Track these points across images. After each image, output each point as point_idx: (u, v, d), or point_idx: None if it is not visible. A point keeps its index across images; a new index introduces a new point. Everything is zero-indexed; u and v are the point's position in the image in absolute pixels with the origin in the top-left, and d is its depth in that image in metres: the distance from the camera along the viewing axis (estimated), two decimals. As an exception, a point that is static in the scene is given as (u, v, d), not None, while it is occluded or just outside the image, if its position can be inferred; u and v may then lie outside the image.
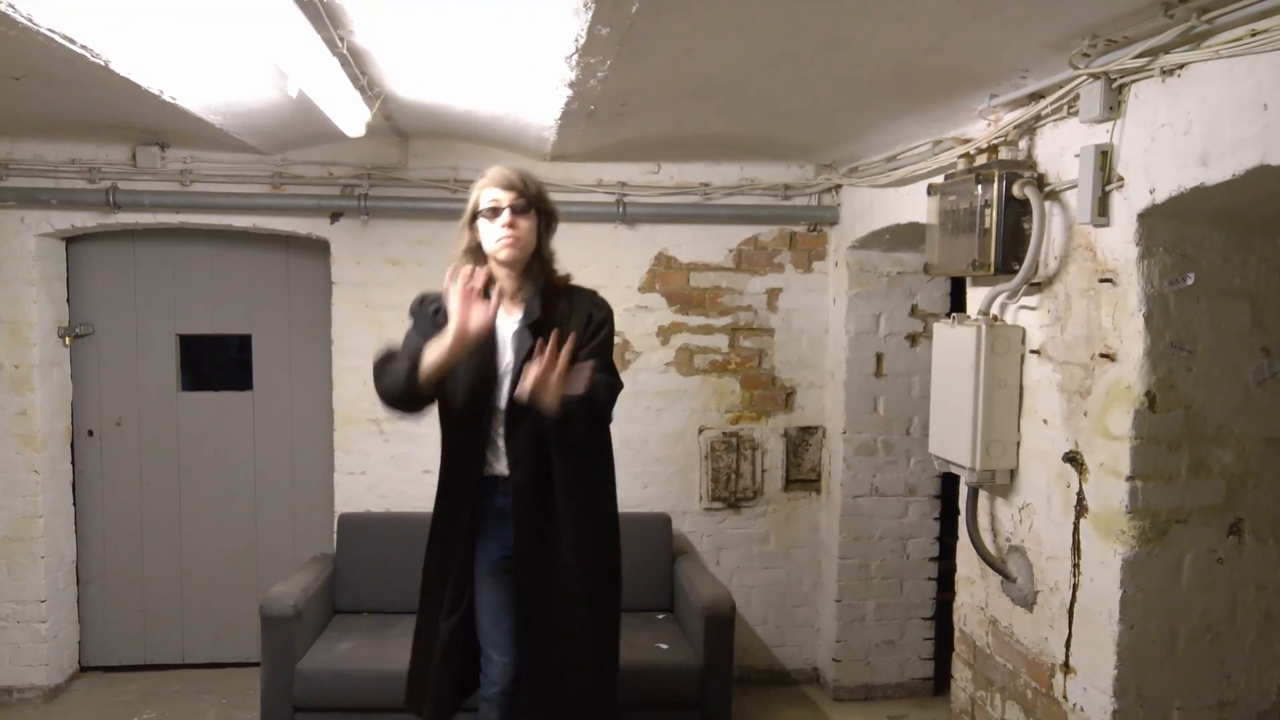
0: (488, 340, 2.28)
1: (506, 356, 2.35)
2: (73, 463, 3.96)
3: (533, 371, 2.07)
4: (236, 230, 3.87)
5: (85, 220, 3.73)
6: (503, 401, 2.33)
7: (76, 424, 3.97)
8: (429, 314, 2.38)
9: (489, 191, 2.32)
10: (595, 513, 2.43)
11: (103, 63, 2.28)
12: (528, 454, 2.33)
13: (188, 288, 3.99)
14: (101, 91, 2.73)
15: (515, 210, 2.29)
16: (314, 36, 2.14)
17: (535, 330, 2.30)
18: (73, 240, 3.90)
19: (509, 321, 2.37)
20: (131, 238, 3.93)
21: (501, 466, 2.37)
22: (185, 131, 3.42)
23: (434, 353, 2.21)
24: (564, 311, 2.37)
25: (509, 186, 2.30)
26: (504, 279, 2.37)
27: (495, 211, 2.30)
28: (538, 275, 2.38)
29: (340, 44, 2.31)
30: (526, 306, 2.36)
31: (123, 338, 3.97)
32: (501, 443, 2.35)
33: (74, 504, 3.97)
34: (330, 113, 2.78)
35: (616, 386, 2.40)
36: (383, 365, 2.34)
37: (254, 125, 3.21)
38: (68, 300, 3.92)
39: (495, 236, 2.30)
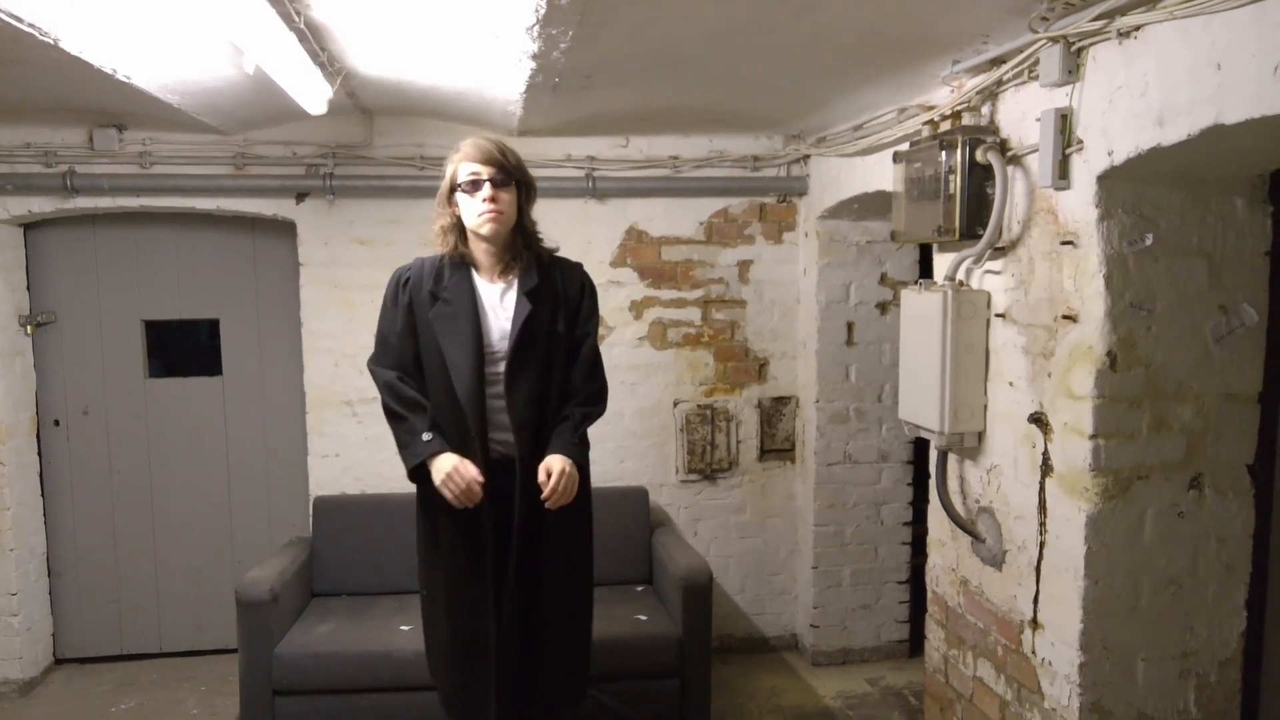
0: (474, 317, 2.32)
1: (502, 325, 2.35)
2: (40, 453, 3.90)
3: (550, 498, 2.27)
4: (200, 213, 3.81)
5: (43, 205, 3.66)
6: (501, 367, 2.33)
7: (42, 414, 3.91)
8: (404, 301, 2.39)
9: (467, 165, 2.30)
10: (583, 484, 2.45)
11: (51, 41, 2.23)
12: (529, 423, 2.34)
13: (152, 273, 3.92)
14: (53, 72, 2.67)
15: (495, 184, 2.29)
16: (269, 11, 2.11)
17: (533, 298, 2.33)
18: (31, 226, 3.82)
19: (492, 289, 2.38)
20: (92, 222, 3.85)
21: (501, 441, 2.36)
22: (142, 112, 3.35)
23: (419, 457, 2.31)
24: (557, 283, 2.41)
25: (488, 160, 2.28)
26: (483, 253, 2.37)
27: (475, 185, 2.29)
28: (520, 247, 2.39)
29: (297, 18, 2.28)
30: (522, 276, 2.37)
31: (87, 325, 3.91)
32: (503, 416, 2.35)
33: (42, 495, 3.92)
34: (290, 90, 2.74)
35: (602, 397, 2.49)
36: (389, 409, 2.41)
37: (213, 104, 3.15)
38: (28, 288, 3.84)
39: (477, 211, 2.29)
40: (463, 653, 2.40)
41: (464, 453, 2.31)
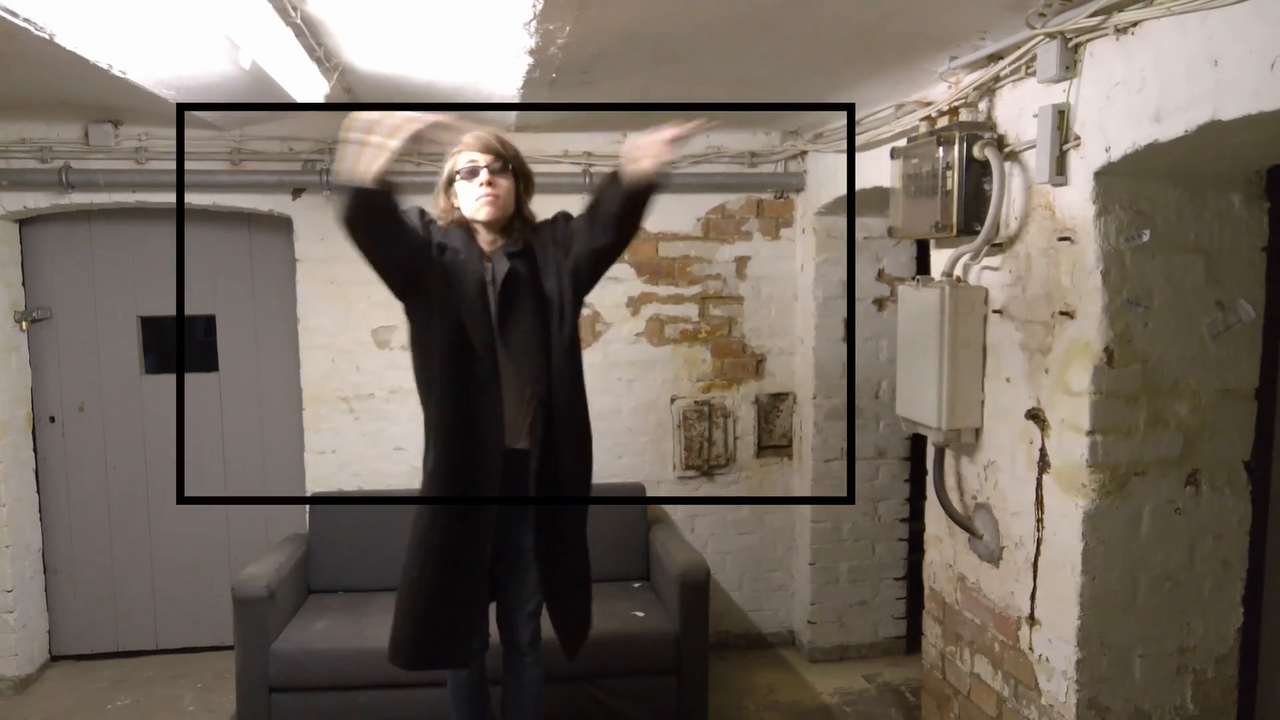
0: (480, 268, 2.30)
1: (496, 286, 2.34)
2: (35, 450, 3.90)
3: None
4: (196, 209, 3.80)
5: (38, 201, 3.65)
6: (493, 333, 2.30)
7: (37, 410, 3.90)
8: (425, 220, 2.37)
9: (465, 154, 2.32)
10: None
11: (47, 36, 2.21)
12: (542, 372, 2.31)
13: (148, 268, 3.91)
14: (49, 67, 2.66)
15: (492, 170, 2.31)
16: (265, 6, 2.10)
17: (513, 258, 2.31)
18: (26, 222, 3.81)
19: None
20: (88, 218, 3.84)
21: (511, 436, 2.34)
22: (138, 108, 3.34)
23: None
24: (545, 236, 2.39)
25: (485, 148, 2.32)
26: (485, 241, 2.37)
27: (473, 172, 2.31)
28: (519, 235, 2.39)
29: (293, 13, 2.26)
30: (508, 243, 2.35)
31: (82, 321, 3.90)
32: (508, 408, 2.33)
33: (38, 492, 3.91)
34: (286, 86, 2.73)
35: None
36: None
37: (209, 100, 3.14)
38: (23, 284, 3.83)
39: (474, 196, 2.31)
40: (447, 582, 2.34)
41: (479, 406, 2.28)
